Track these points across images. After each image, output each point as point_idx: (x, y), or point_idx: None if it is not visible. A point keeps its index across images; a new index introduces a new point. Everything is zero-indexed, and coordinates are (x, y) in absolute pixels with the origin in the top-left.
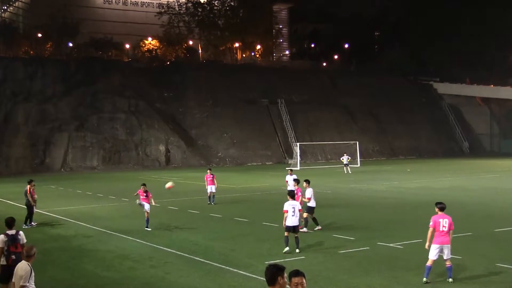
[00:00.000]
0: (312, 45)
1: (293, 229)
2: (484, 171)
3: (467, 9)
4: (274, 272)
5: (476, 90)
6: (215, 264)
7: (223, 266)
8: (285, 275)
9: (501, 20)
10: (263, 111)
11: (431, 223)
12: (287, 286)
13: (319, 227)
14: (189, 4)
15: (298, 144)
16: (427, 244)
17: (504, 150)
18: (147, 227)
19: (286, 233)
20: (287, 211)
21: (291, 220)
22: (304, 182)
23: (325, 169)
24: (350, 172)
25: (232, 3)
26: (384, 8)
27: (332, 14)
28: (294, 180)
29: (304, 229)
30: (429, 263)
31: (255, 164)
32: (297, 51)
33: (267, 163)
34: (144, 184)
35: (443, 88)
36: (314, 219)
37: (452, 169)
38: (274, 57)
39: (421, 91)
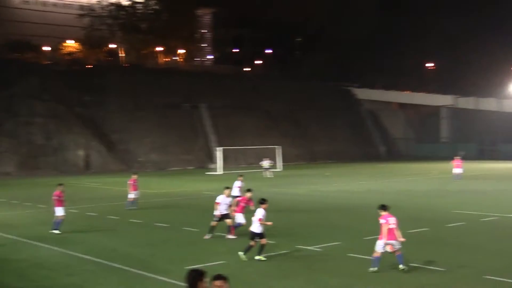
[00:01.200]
0: (235, 50)
1: (259, 236)
2: (400, 174)
3: (386, 17)
4: (194, 277)
5: (393, 96)
6: (134, 270)
7: (143, 272)
8: (206, 279)
9: (417, 29)
10: (185, 115)
11: (383, 221)
12: None
13: (233, 237)
14: (112, 7)
15: (219, 148)
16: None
17: (419, 154)
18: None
19: (251, 242)
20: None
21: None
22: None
23: (246, 174)
24: (271, 176)
25: (155, 7)
26: (306, 15)
27: (255, 19)
28: (247, 190)
29: (207, 236)
30: (376, 255)
31: (177, 168)
32: (220, 55)
33: (188, 167)
34: (61, 184)
35: (362, 93)
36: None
37: (369, 173)
38: (197, 62)
39: (341, 97)
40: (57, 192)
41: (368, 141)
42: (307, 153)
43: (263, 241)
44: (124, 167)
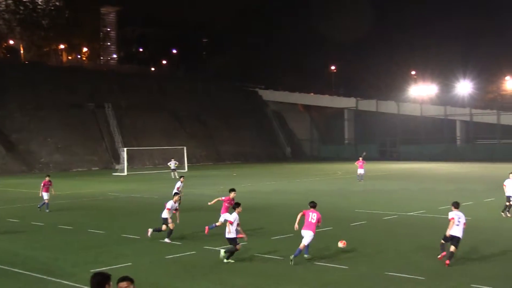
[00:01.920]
0: (140, 50)
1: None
2: (305, 175)
3: (291, 21)
4: (100, 280)
5: (298, 97)
6: (36, 274)
7: (45, 277)
8: (111, 282)
9: (321, 34)
10: (90, 115)
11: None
12: None
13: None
14: (10, 1)
15: (125, 149)
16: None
17: (324, 155)
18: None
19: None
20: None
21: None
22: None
23: (153, 174)
24: (178, 177)
25: (57, 3)
26: (211, 16)
27: (161, 18)
28: (230, 189)
29: (166, 240)
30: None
31: (81, 169)
32: (125, 55)
33: (93, 168)
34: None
35: (268, 95)
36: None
37: (275, 173)
38: (102, 60)
39: (247, 98)
40: None
41: (274, 142)
42: (214, 154)
43: (238, 247)
44: (25, 168)
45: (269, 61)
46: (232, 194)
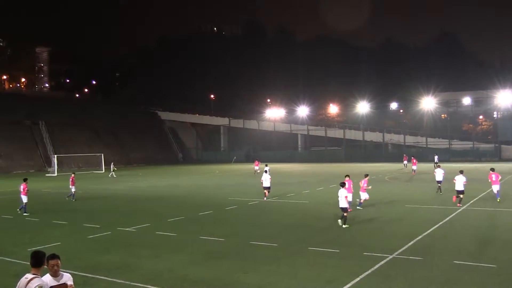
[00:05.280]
0: (67, 80)
1: None
2: (192, 173)
3: (182, 61)
4: (38, 257)
5: (187, 117)
6: None
7: None
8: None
9: (202, 69)
10: (27, 130)
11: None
12: (45, 267)
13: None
14: None
15: (55, 155)
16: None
17: (206, 159)
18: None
19: None
20: None
21: None
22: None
23: (78, 175)
24: (115, 176)
25: (0, 44)
26: (122, 55)
27: (84, 57)
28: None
29: None
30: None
31: (20, 172)
32: (55, 84)
33: (30, 171)
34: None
35: (165, 115)
36: None
37: (171, 173)
38: (37, 88)
39: (150, 117)
40: None
41: (170, 150)
42: (124, 158)
43: None
44: None
45: (166, 90)
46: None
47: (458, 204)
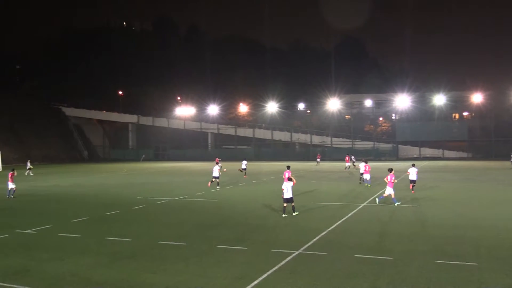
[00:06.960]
0: None
1: None
2: (99, 172)
3: (91, 54)
4: None
5: (94, 114)
6: None
7: None
8: None
9: (113, 66)
10: None
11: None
12: None
13: None
14: None
15: None
16: None
17: (113, 157)
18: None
19: None
20: None
21: None
22: None
23: None
24: (32, 174)
25: None
26: (24, 46)
27: None
28: None
29: None
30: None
31: None
32: None
33: None
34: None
35: (70, 111)
36: None
37: (76, 171)
38: None
39: (53, 113)
40: None
41: (74, 148)
42: (24, 156)
43: None
44: None
45: (72, 85)
46: None
47: (412, 192)
